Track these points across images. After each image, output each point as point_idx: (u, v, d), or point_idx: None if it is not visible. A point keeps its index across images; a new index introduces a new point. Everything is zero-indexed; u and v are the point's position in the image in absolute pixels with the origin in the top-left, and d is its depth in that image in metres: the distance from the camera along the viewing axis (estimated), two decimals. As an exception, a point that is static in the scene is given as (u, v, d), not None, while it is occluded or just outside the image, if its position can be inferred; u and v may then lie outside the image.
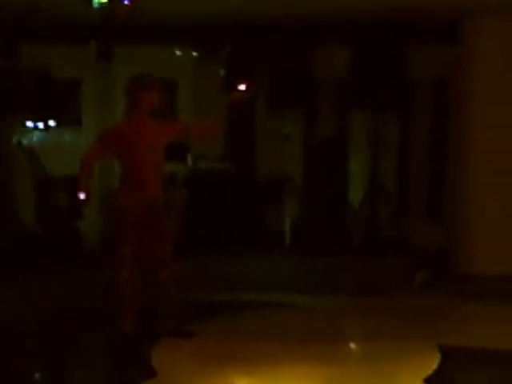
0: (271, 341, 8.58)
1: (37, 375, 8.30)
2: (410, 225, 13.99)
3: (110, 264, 8.63)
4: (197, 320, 9.45)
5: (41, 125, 13.49)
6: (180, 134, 8.79)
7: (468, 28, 11.91)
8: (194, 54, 14.12)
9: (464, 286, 11.32)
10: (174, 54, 14.17)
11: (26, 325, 9.48)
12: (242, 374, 7.57)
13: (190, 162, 13.58)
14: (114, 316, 8.68)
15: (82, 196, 8.53)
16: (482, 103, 11.72)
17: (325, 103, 14.12)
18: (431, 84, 13.90)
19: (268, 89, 14.24)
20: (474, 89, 11.84)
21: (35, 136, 13.53)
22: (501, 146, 11.67)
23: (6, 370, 7.90)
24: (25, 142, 13.34)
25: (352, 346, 9.15)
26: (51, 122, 13.54)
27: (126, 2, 8.64)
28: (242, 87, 9.23)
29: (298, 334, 9.11)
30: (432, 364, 7.70)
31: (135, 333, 8.62)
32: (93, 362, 8.59)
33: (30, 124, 13.40)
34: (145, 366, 7.61)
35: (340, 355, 8.36)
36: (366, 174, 14.35)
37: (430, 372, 7.44)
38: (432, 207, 14.02)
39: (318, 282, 11.42)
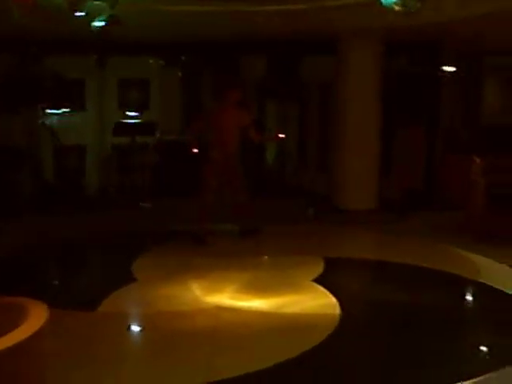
0: (212, 256, 8.86)
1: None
2: (305, 175, 14.16)
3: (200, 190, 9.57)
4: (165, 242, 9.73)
5: (58, 111, 13.60)
6: (244, 125, 9.70)
7: (342, 46, 11.99)
8: (161, 61, 14.08)
9: (340, 217, 11.43)
10: (148, 61, 14.20)
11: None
12: (194, 278, 7.71)
13: (157, 135, 13.68)
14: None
15: (194, 150, 9.91)
16: (350, 95, 11.96)
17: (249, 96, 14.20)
18: (318, 83, 14.12)
19: (212, 85, 14.24)
20: (345, 87, 12.04)
21: (54, 118, 13.60)
22: (359, 125, 11.89)
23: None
24: (47, 122, 13.40)
25: (264, 258, 9.15)
26: (65, 109, 13.66)
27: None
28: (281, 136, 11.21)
29: (229, 251, 9.25)
30: (317, 269, 8.01)
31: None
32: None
33: (50, 110, 13.47)
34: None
35: (256, 264, 8.56)
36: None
37: (316, 275, 7.76)
38: (320, 163, 14.20)
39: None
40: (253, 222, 9.89)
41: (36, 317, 3.81)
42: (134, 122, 13.76)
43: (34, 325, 3.72)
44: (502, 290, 7.26)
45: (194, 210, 9.67)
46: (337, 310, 6.53)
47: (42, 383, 3.89)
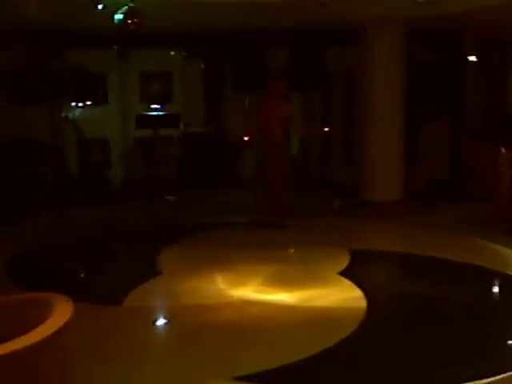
0: (238, 248, 8.81)
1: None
2: (331, 168, 14.08)
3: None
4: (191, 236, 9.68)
5: (81, 104, 13.55)
6: (285, 115, 10.01)
7: (365, 36, 11.81)
8: (183, 53, 14.05)
9: (366, 209, 11.30)
10: (170, 53, 14.15)
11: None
12: (219, 271, 7.71)
13: (182, 127, 13.67)
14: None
15: (246, 138, 10.34)
16: (374, 87, 11.82)
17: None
18: (344, 73, 13.98)
19: (232, 77, 14.19)
20: (370, 77, 11.85)
21: (77, 112, 13.51)
22: (384, 116, 11.72)
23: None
24: (70, 115, 13.34)
25: (289, 251, 9.15)
26: (88, 102, 13.60)
27: (130, 21, 8.61)
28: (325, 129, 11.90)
29: (255, 243, 9.14)
30: (343, 262, 7.98)
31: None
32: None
33: (73, 104, 13.41)
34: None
35: (281, 258, 8.51)
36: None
37: (341, 268, 7.74)
38: (346, 156, 13.96)
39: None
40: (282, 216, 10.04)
41: (61, 312, 3.82)
42: (157, 115, 13.73)
43: (60, 320, 3.73)
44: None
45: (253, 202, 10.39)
46: (363, 304, 6.50)
47: (68, 377, 3.89)
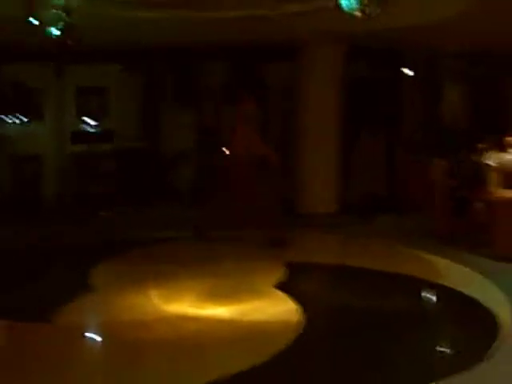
0: (173, 263, 8.74)
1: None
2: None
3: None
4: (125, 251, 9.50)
5: (15, 120, 13.33)
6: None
7: (302, 51, 12.06)
8: (120, 68, 13.91)
9: (302, 222, 11.37)
10: (106, 69, 13.97)
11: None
12: (154, 286, 7.61)
13: (117, 143, 13.52)
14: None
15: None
16: (310, 102, 11.98)
17: (207, 102, 14.23)
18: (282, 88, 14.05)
19: (169, 92, 14.16)
20: (306, 92, 12.07)
21: (11, 127, 13.33)
22: (320, 130, 11.94)
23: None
24: (3, 131, 13.13)
25: (225, 265, 8.91)
26: (22, 118, 13.39)
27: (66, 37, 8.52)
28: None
29: (190, 258, 9.15)
30: (279, 275, 7.95)
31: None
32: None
33: (7, 119, 13.22)
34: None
35: (217, 272, 8.40)
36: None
37: (277, 281, 7.71)
38: (284, 168, 14.09)
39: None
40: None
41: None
42: (92, 131, 13.59)
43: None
44: (463, 293, 7.24)
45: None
46: (299, 317, 6.47)
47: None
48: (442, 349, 6.10)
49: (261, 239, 9.66)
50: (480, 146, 11.66)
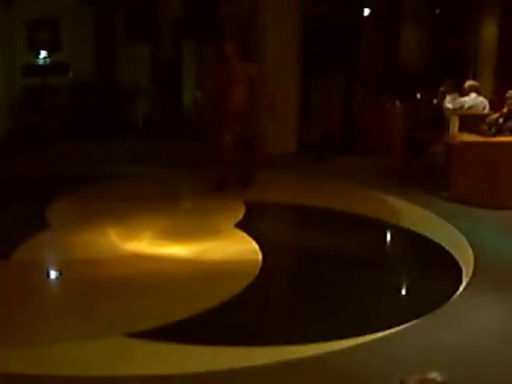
0: (130, 200, 8.62)
1: None
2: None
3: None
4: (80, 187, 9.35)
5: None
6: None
7: None
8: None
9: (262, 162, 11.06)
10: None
11: None
12: (111, 223, 7.48)
13: (71, 75, 13.21)
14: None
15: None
16: (268, 38, 11.73)
17: (164, 35, 13.89)
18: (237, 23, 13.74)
19: (125, 25, 13.80)
20: (263, 29, 11.83)
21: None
22: (278, 69, 11.66)
23: None
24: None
25: (184, 203, 9.02)
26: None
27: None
28: None
29: (148, 196, 9.06)
30: (239, 214, 7.91)
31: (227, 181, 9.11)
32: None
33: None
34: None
35: (176, 210, 8.40)
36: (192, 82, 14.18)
37: (237, 220, 7.67)
38: None
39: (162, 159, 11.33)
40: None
41: None
42: (45, 63, 13.20)
43: None
44: (421, 234, 7.26)
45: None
46: (258, 256, 6.41)
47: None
48: (400, 291, 6.07)
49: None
50: (441, 89, 11.66)
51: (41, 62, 13.35)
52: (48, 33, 13.50)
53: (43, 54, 13.39)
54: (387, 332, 4.75)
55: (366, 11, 13.83)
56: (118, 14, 13.70)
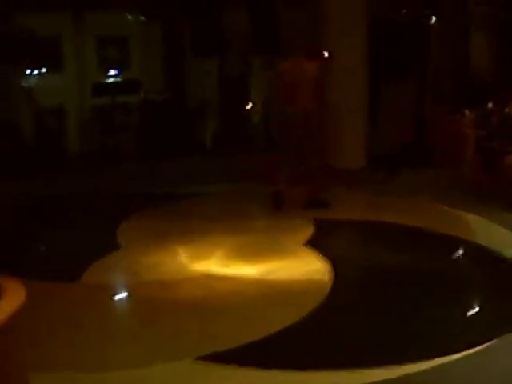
0: (199, 219, 8.62)
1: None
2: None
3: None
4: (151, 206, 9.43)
5: (34, 71, 13.05)
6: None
7: None
8: (141, 17, 13.69)
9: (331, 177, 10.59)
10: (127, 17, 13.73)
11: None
12: (181, 243, 7.47)
13: (142, 94, 13.34)
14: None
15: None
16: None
17: (233, 52, 13.88)
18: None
19: (193, 42, 13.86)
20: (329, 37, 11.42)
21: (30, 79, 13.08)
22: (346, 79, 11.34)
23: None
24: (23, 83, 12.94)
25: (253, 222, 8.85)
26: (41, 69, 13.10)
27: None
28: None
29: (217, 214, 9.01)
30: (308, 232, 7.76)
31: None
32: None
33: (26, 71, 12.96)
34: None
35: (245, 229, 8.24)
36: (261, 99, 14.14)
37: (306, 238, 7.54)
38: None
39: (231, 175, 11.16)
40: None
41: (12, 295, 3.56)
42: (115, 82, 13.37)
43: (11, 305, 3.47)
44: (496, 252, 7.02)
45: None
46: (329, 276, 6.32)
47: (24, 363, 3.65)
48: (472, 313, 5.88)
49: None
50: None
51: (111, 80, 13.51)
52: (118, 50, 13.69)
53: (113, 72, 13.56)
54: (465, 353, 4.60)
55: (435, 17, 13.61)
56: (185, 30, 13.78)
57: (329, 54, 9.67)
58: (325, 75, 9.04)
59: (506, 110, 11.19)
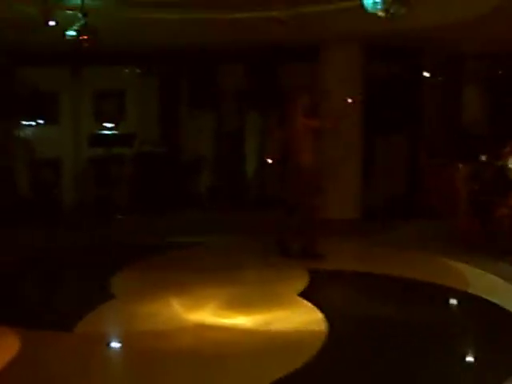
0: (193, 270, 8.62)
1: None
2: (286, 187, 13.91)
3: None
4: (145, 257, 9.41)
5: (32, 123, 13.22)
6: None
7: (323, 52, 11.98)
8: (137, 71, 13.85)
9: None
10: (123, 71, 13.91)
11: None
12: (175, 293, 7.47)
13: (136, 146, 13.42)
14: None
15: (269, 160, 9.59)
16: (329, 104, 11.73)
17: (227, 106, 14.04)
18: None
19: (188, 95, 14.02)
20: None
21: (28, 131, 13.21)
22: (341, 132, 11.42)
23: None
24: (21, 135, 13.05)
25: (247, 272, 8.91)
26: (39, 121, 13.29)
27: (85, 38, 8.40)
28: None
29: (211, 265, 9.07)
30: (302, 283, 7.82)
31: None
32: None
33: (24, 123, 13.12)
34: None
35: (239, 279, 8.31)
36: (256, 154, 14.25)
37: (301, 289, 7.56)
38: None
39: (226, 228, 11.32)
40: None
41: (7, 347, 3.57)
42: (111, 134, 13.48)
43: (6, 355, 3.48)
44: (492, 302, 7.04)
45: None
46: (323, 327, 6.29)
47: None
48: (469, 362, 5.85)
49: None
50: (504, 150, 11.44)
51: (106, 132, 13.63)
52: (113, 103, 13.84)
53: (109, 124, 13.68)
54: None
55: (428, 72, 13.80)
56: (181, 85, 13.94)
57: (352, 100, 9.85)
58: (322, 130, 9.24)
59: (499, 162, 11.28)
